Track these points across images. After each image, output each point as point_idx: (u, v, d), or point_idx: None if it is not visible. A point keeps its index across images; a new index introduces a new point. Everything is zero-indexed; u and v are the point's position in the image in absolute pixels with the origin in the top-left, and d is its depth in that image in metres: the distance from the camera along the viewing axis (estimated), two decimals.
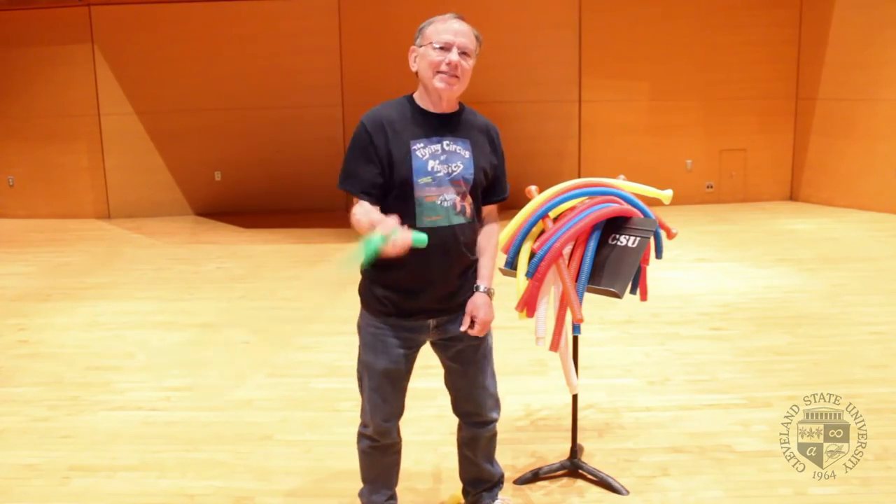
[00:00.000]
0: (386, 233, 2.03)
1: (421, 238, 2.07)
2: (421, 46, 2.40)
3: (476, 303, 2.49)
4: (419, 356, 2.60)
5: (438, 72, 2.35)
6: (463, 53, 2.35)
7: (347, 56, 9.66)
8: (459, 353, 2.58)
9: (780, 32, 9.40)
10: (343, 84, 9.69)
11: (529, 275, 2.79)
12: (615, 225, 2.87)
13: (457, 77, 2.36)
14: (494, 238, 2.60)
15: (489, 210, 2.60)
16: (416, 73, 2.43)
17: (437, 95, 2.39)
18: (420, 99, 2.44)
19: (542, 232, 2.89)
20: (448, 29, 2.36)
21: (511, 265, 2.90)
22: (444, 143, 2.41)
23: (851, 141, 8.94)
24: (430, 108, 2.43)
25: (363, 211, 2.33)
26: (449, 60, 2.33)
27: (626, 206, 2.91)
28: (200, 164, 9.88)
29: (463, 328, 2.48)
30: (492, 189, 2.56)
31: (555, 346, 2.83)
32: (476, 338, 2.56)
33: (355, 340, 2.59)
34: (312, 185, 9.72)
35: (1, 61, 9.64)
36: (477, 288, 2.51)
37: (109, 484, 3.20)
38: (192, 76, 9.64)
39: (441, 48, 2.34)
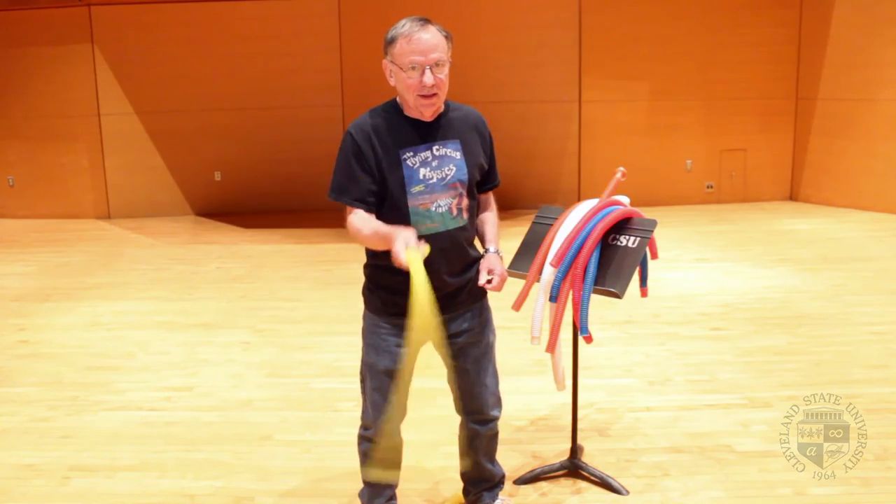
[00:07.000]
0: (415, 247, 2.14)
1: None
2: (392, 63, 2.33)
3: (490, 259, 2.48)
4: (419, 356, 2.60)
5: (418, 95, 2.31)
6: (436, 66, 2.29)
7: (347, 56, 9.65)
8: (460, 350, 2.58)
9: (780, 32, 9.38)
10: (343, 84, 9.68)
11: (553, 299, 2.79)
12: (615, 225, 2.87)
13: (436, 94, 2.32)
14: (493, 207, 2.62)
15: (484, 196, 2.62)
16: (394, 86, 2.38)
17: (420, 112, 2.37)
18: (404, 106, 2.40)
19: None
20: (415, 47, 2.27)
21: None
22: (434, 147, 2.39)
23: (851, 141, 8.93)
24: (416, 116, 2.39)
25: (361, 219, 2.34)
26: (424, 83, 2.28)
27: (628, 208, 2.91)
28: (200, 164, 9.87)
29: (480, 283, 2.44)
30: (484, 179, 2.57)
31: (551, 347, 2.84)
32: (476, 334, 2.58)
33: (355, 340, 2.59)
34: (312, 185, 9.70)
35: (1, 61, 9.63)
36: (487, 250, 2.52)
37: (109, 484, 3.21)
38: (192, 76, 9.63)
39: (413, 69, 2.28)
